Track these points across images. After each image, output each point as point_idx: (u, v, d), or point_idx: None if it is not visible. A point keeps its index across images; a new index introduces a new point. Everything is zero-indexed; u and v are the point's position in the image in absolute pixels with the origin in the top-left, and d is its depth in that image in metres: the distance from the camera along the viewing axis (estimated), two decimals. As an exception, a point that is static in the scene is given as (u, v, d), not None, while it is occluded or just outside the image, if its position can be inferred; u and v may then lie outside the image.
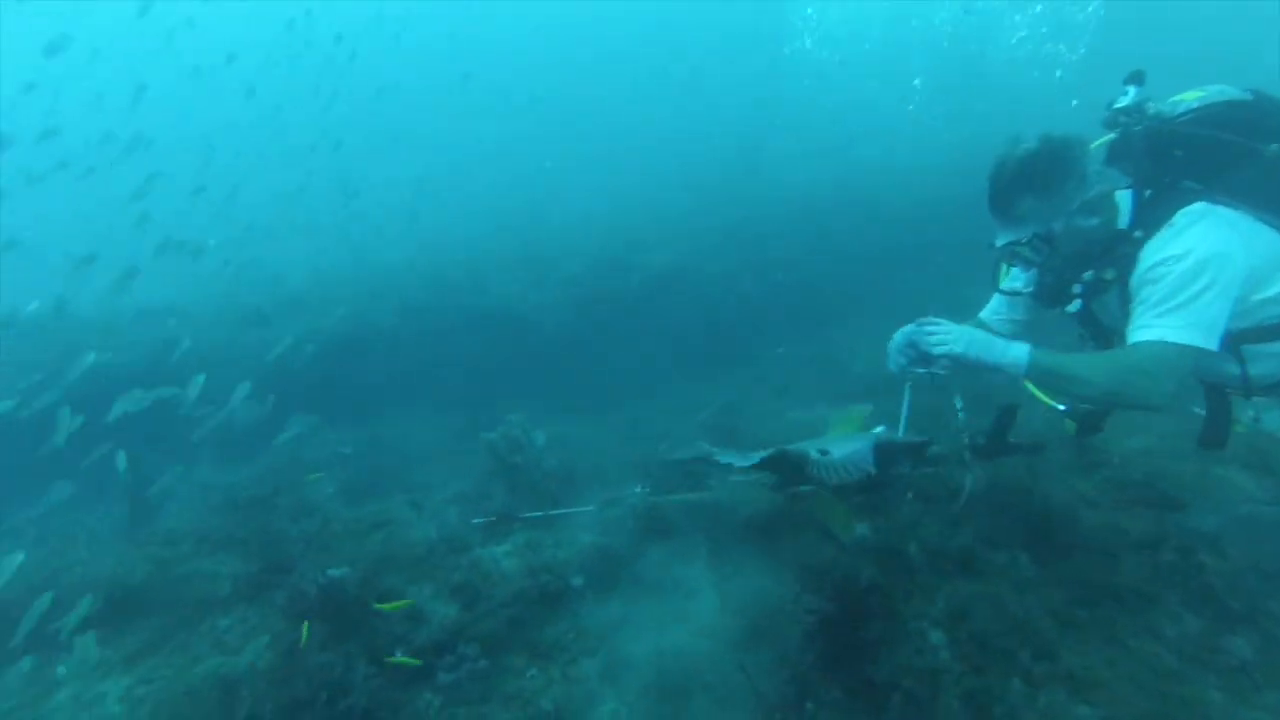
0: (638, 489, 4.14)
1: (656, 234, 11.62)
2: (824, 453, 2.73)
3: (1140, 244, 2.45)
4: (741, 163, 17.48)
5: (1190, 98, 2.62)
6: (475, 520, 4.31)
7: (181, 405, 7.08)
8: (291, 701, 3.38)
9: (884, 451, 2.78)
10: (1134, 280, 2.45)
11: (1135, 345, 2.39)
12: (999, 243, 2.70)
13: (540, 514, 4.24)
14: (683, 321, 9.71)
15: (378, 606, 3.57)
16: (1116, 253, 2.52)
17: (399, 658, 3.41)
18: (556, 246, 11.55)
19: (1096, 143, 2.83)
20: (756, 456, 2.59)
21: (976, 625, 3.25)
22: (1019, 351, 2.52)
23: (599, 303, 9.81)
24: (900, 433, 3.05)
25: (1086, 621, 3.24)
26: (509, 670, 3.50)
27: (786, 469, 2.71)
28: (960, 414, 2.86)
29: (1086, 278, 2.58)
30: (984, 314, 3.29)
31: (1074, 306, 2.68)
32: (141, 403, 6.76)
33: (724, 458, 2.71)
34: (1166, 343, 2.32)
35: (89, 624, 4.01)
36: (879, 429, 3.00)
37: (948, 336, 2.60)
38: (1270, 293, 2.39)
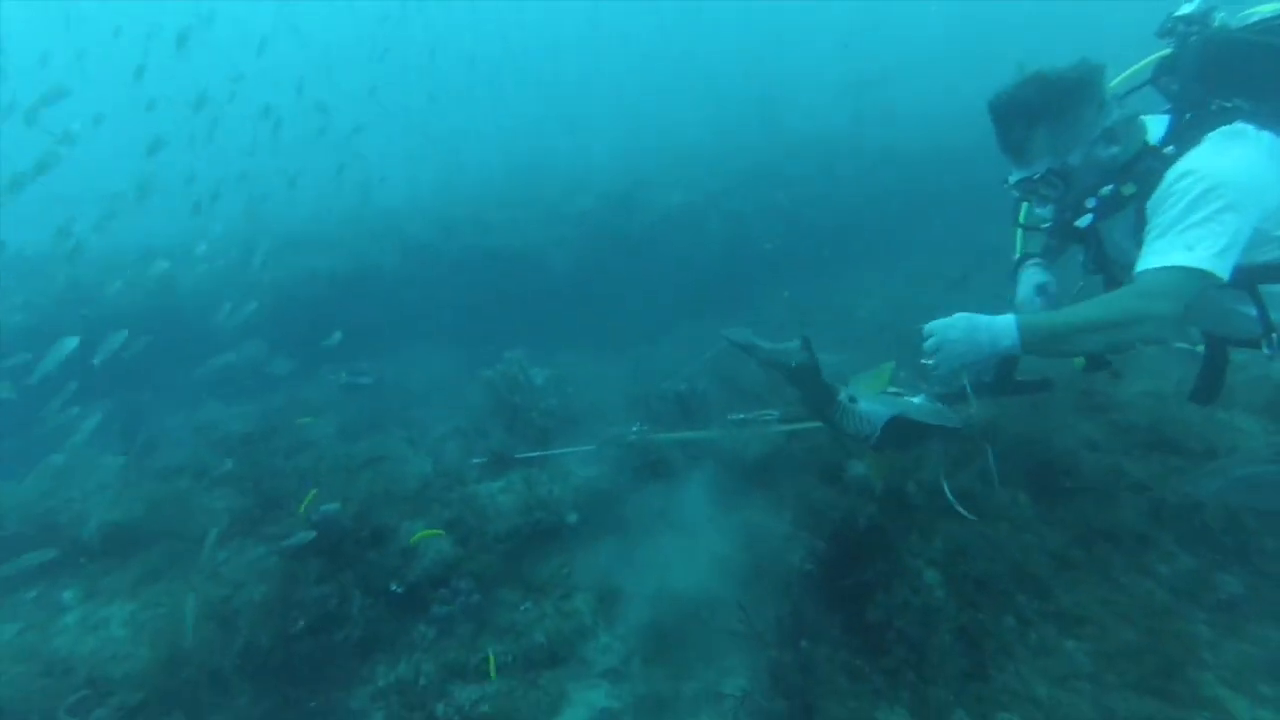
0: (636, 427, 4.08)
1: (668, 176, 11.35)
2: (852, 399, 2.62)
3: (1168, 161, 2.25)
4: (759, 110, 16.97)
5: (1268, 8, 2.37)
6: (473, 460, 4.28)
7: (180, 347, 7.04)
8: (289, 632, 3.43)
9: (898, 425, 2.67)
10: (1152, 201, 2.27)
11: (1138, 276, 2.24)
12: (1011, 180, 2.53)
13: (538, 454, 4.21)
14: (689, 263, 9.55)
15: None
16: (1140, 168, 2.32)
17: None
18: (565, 187, 11.30)
19: (1144, 61, 2.62)
20: (795, 362, 2.49)
21: (973, 565, 3.24)
22: (1004, 325, 2.31)
23: (605, 242, 9.64)
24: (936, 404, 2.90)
25: (1082, 561, 3.22)
26: (502, 604, 3.53)
27: (812, 390, 2.62)
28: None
29: (1104, 192, 2.39)
30: (1021, 294, 3.03)
31: (1084, 221, 2.49)
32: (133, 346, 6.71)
33: (766, 346, 2.58)
34: (1171, 267, 2.16)
35: (93, 553, 4.06)
36: (918, 399, 2.85)
37: (938, 354, 2.38)
38: None
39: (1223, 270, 2.12)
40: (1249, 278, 2.29)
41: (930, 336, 2.38)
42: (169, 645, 3.28)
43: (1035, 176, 2.44)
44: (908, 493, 3.64)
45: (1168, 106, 2.48)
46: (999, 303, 2.81)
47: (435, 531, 3.63)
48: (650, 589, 3.43)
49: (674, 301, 8.75)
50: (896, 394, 2.91)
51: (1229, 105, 2.27)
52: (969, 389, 2.75)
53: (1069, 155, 2.37)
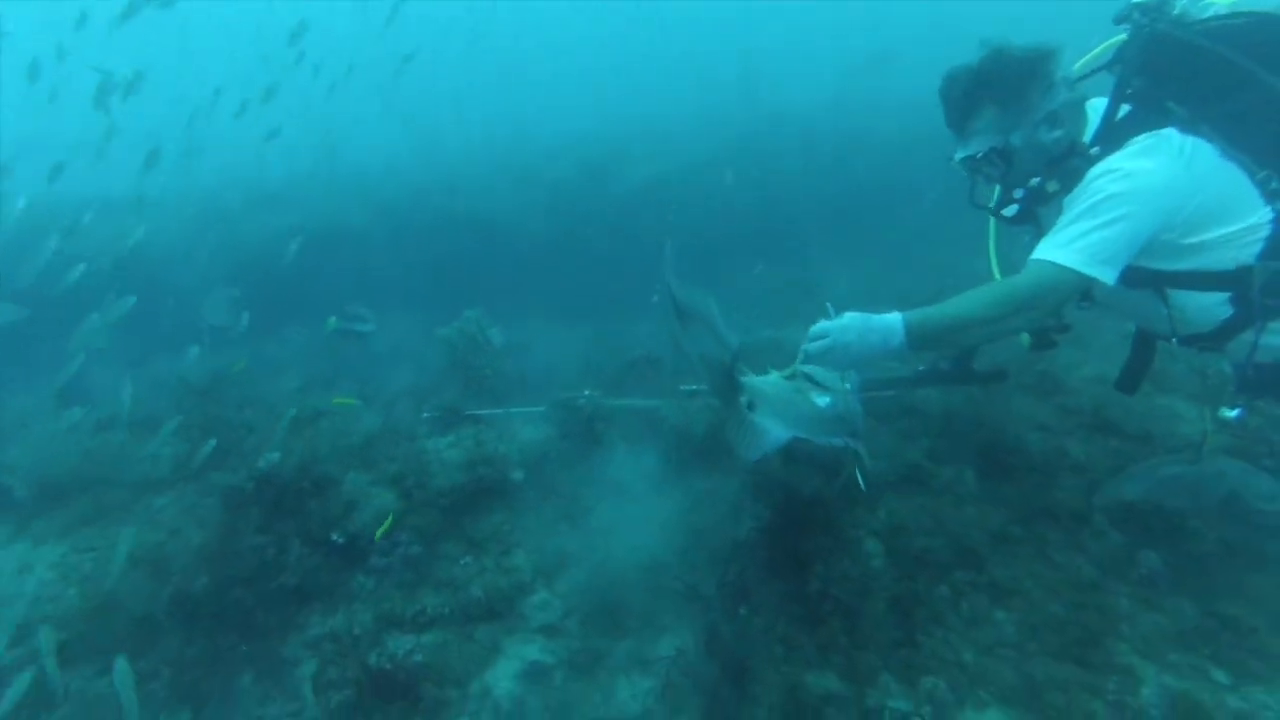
0: (587, 391, 4.06)
1: (642, 149, 11.24)
2: (750, 406, 2.46)
3: (1092, 161, 2.25)
4: (740, 87, 16.83)
5: (1225, 2, 2.35)
6: (424, 414, 4.23)
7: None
8: (223, 579, 3.37)
9: (797, 446, 2.56)
10: (1070, 196, 2.27)
11: (1029, 262, 2.24)
12: (956, 157, 2.51)
13: (488, 411, 4.16)
14: (660, 235, 9.47)
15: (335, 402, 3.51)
16: (1067, 165, 2.33)
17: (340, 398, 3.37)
18: (540, 158, 11.17)
19: (1106, 44, 2.60)
20: (699, 356, 2.43)
21: (913, 537, 3.27)
22: (892, 324, 2.26)
23: (576, 211, 9.54)
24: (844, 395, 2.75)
25: (1020, 537, 3.27)
26: (443, 557, 3.50)
27: (719, 383, 2.50)
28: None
29: (1032, 184, 2.41)
30: None
31: (1009, 211, 2.51)
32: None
33: (685, 333, 2.47)
34: (1052, 264, 2.17)
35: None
36: (826, 399, 2.68)
37: (829, 354, 2.32)
38: (1210, 235, 2.19)
39: (1106, 276, 2.13)
40: (1156, 280, 2.31)
41: (822, 338, 2.32)
42: (97, 589, 3.22)
43: (978, 155, 2.42)
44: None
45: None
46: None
47: (350, 399, 3.57)
48: (592, 549, 3.42)
49: (643, 272, 8.68)
50: (807, 381, 2.63)
51: (1164, 107, 2.24)
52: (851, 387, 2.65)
53: (1012, 135, 2.34)
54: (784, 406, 2.52)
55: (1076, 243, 2.15)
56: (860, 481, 2.79)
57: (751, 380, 2.52)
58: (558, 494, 3.73)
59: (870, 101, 14.02)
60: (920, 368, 3.80)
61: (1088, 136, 2.34)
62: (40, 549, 3.59)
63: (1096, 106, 2.38)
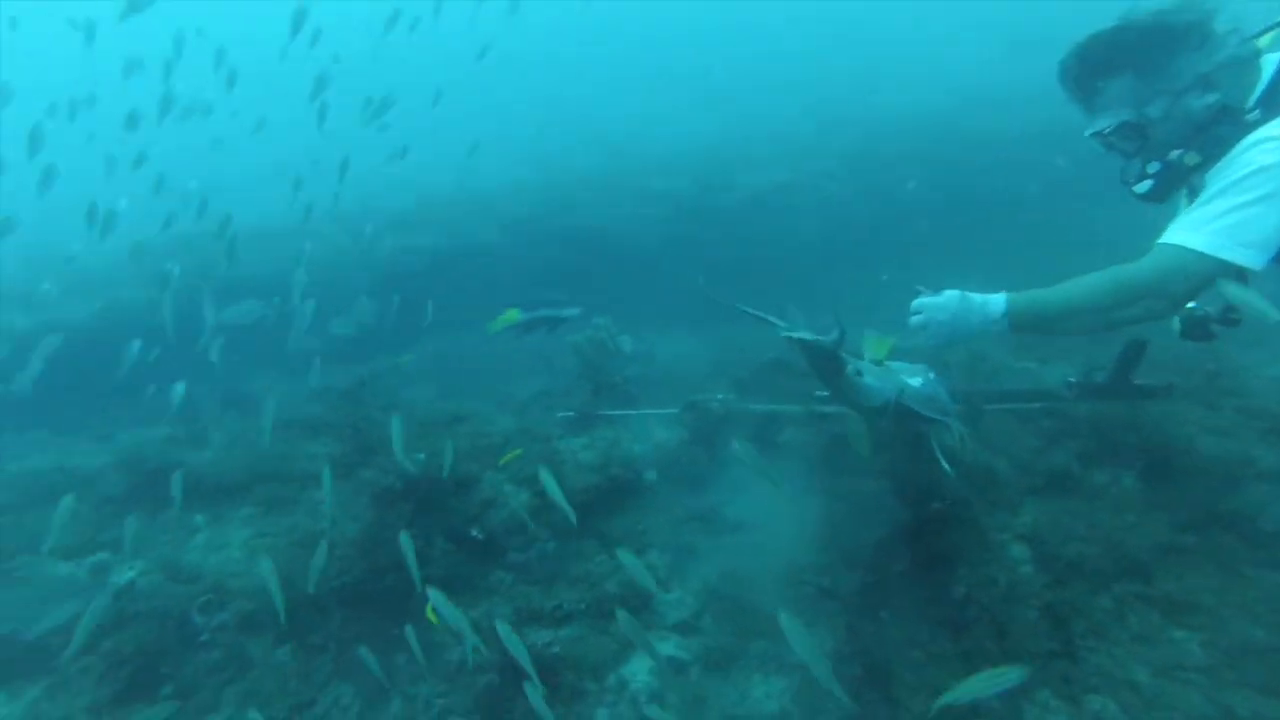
0: (721, 395, 4.09)
1: (762, 154, 11.22)
2: (859, 373, 2.61)
3: (1245, 129, 1.96)
4: (858, 91, 16.39)
5: None
6: (559, 415, 4.41)
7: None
8: (378, 566, 3.64)
9: (896, 407, 2.64)
10: (1213, 170, 2.00)
11: (1156, 247, 2.02)
12: (1087, 133, 2.32)
13: (621, 412, 4.28)
14: (780, 243, 9.41)
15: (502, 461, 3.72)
16: (1212, 134, 2.04)
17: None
18: (654, 168, 11.38)
19: None
20: (801, 334, 2.47)
21: (1064, 544, 3.05)
22: (994, 304, 2.20)
23: (696, 220, 9.65)
24: (933, 382, 2.87)
25: (1194, 548, 2.97)
26: (577, 554, 3.61)
27: (824, 362, 2.59)
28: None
29: (1171, 158, 2.13)
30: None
31: (1142, 188, 2.24)
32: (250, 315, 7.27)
33: (773, 315, 2.61)
34: (1181, 248, 1.94)
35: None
36: (917, 380, 2.81)
37: (927, 326, 2.31)
38: None
39: (1250, 261, 1.88)
40: None
41: (918, 314, 2.32)
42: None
43: (1106, 131, 2.23)
44: (996, 470, 3.46)
45: None
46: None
47: (517, 452, 3.75)
48: (725, 548, 3.43)
49: (769, 281, 8.63)
50: (898, 369, 2.87)
51: None
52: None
53: (1148, 106, 2.12)
54: (886, 377, 2.71)
55: (1213, 224, 1.91)
56: (941, 459, 2.86)
57: (853, 360, 2.65)
58: (690, 492, 3.76)
59: (1009, 96, 13.19)
60: (1071, 379, 3.56)
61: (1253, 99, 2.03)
62: (230, 532, 4.02)
63: (1275, 62, 2.07)
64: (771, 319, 2.58)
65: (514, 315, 4.40)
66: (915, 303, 2.35)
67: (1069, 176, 9.29)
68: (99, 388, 7.05)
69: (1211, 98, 2.05)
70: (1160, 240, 2.03)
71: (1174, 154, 2.14)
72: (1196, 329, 2.64)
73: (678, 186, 10.45)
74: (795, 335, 2.49)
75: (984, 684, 2.23)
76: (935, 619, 2.94)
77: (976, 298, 2.27)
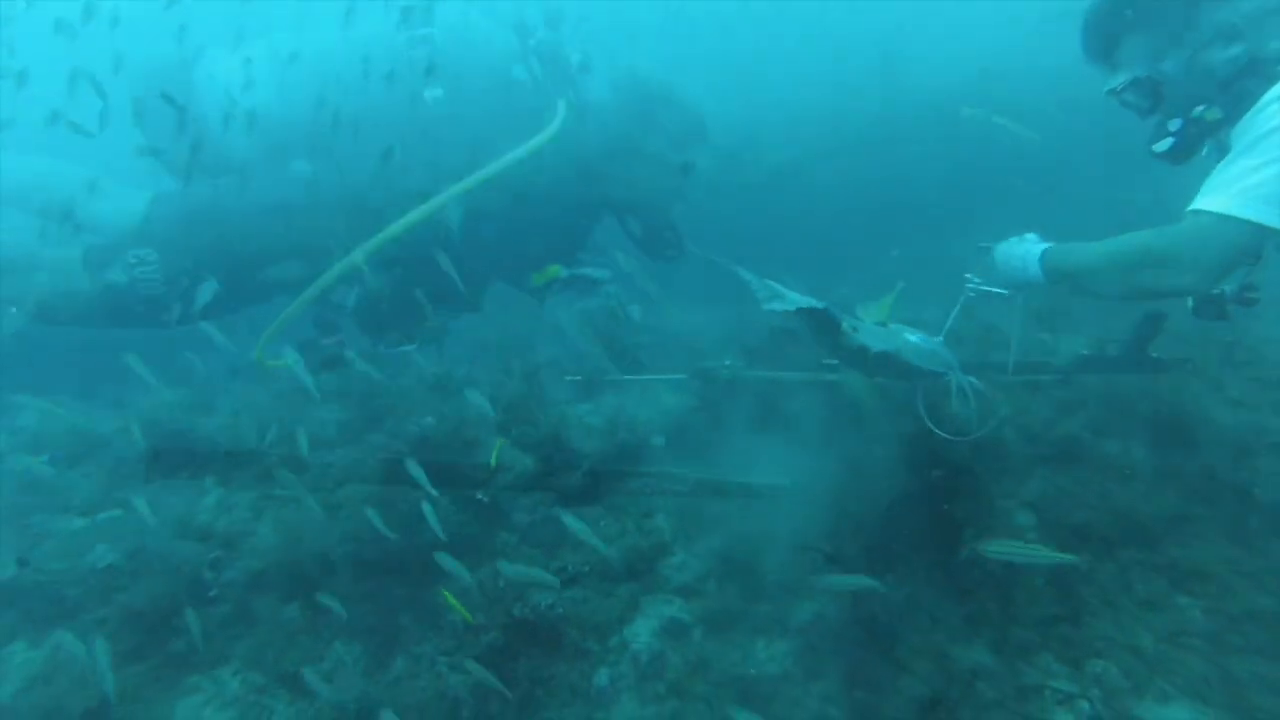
0: (729, 361, 4.07)
1: (782, 128, 11.02)
2: (854, 329, 2.62)
3: (1271, 81, 1.86)
4: (878, 63, 16.02)
5: None
6: (566, 378, 4.42)
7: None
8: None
9: (889, 359, 2.61)
10: (1239, 126, 1.91)
11: (1186, 215, 1.92)
12: (1105, 90, 2.25)
13: (629, 378, 4.28)
14: (793, 219, 9.31)
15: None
16: (1237, 88, 1.94)
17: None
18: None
19: None
20: (795, 303, 2.44)
21: (1071, 510, 3.04)
22: (1034, 253, 2.21)
23: (714, 194, 9.53)
24: (934, 341, 2.84)
25: (1204, 518, 2.95)
26: (584, 518, 3.62)
27: (820, 326, 2.58)
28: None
29: (1195, 113, 2.04)
30: None
31: (1161, 146, 2.17)
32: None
33: (763, 292, 2.57)
34: (1208, 212, 1.83)
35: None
36: (916, 336, 2.79)
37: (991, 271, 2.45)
38: None
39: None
40: None
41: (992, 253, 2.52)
42: (286, 527, 3.61)
43: (1119, 88, 2.15)
44: (1004, 438, 3.44)
45: None
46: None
47: (502, 441, 3.77)
48: (732, 513, 3.43)
49: (780, 256, 8.53)
50: (896, 328, 2.87)
51: None
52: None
53: (1164, 61, 2.06)
54: (883, 334, 2.72)
55: (1239, 182, 1.80)
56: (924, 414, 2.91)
57: (848, 318, 2.67)
58: (696, 457, 3.76)
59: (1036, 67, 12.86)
60: (1084, 352, 3.52)
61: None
62: (237, 494, 4.06)
63: None
64: (755, 288, 2.57)
65: (557, 270, 4.46)
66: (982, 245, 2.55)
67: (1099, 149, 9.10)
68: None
69: (1236, 49, 1.95)
70: (1192, 207, 1.94)
71: (1197, 110, 2.06)
72: (1210, 308, 2.55)
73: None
74: (771, 308, 2.48)
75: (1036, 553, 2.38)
76: (940, 584, 2.94)
77: (1021, 243, 2.36)
